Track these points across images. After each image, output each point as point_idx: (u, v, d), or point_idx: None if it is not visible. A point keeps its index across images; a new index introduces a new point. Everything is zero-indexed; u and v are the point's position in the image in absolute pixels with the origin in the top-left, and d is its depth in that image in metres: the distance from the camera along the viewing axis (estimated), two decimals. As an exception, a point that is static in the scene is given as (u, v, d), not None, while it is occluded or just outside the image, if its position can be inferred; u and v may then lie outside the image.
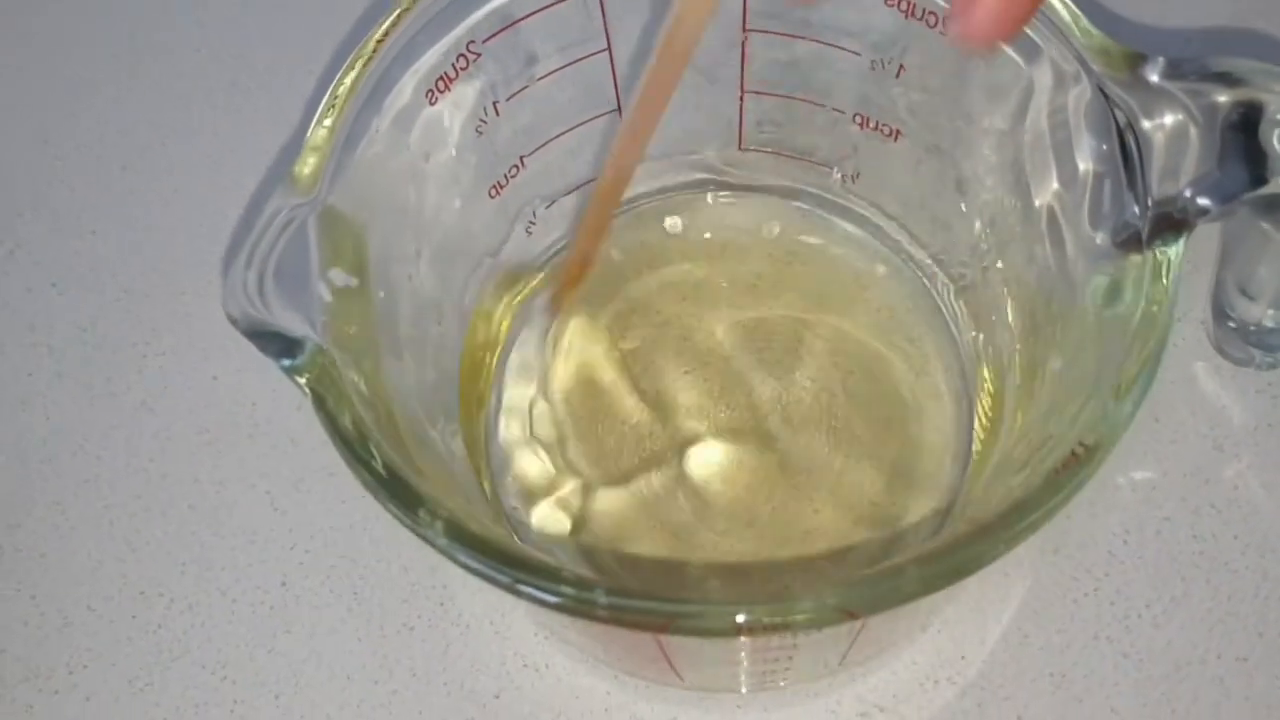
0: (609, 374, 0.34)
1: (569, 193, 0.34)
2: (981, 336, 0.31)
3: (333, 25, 0.42)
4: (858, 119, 0.32)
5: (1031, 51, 0.27)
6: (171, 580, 0.34)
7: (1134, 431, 0.34)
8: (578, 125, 0.33)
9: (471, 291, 0.33)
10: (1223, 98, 0.24)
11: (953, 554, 0.21)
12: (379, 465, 0.23)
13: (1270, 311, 0.30)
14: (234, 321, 0.24)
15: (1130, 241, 0.25)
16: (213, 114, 0.42)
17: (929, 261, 0.34)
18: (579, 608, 0.21)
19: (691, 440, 0.32)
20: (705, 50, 0.32)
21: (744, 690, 0.29)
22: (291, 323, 0.24)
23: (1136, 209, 0.24)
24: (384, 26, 0.27)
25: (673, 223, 0.36)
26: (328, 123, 0.26)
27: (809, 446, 0.32)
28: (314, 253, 0.25)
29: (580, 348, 0.34)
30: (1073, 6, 0.26)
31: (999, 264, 0.30)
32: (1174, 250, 0.24)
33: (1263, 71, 0.25)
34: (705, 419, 0.33)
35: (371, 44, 0.27)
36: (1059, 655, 0.31)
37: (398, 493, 0.22)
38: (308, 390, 0.23)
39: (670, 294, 0.35)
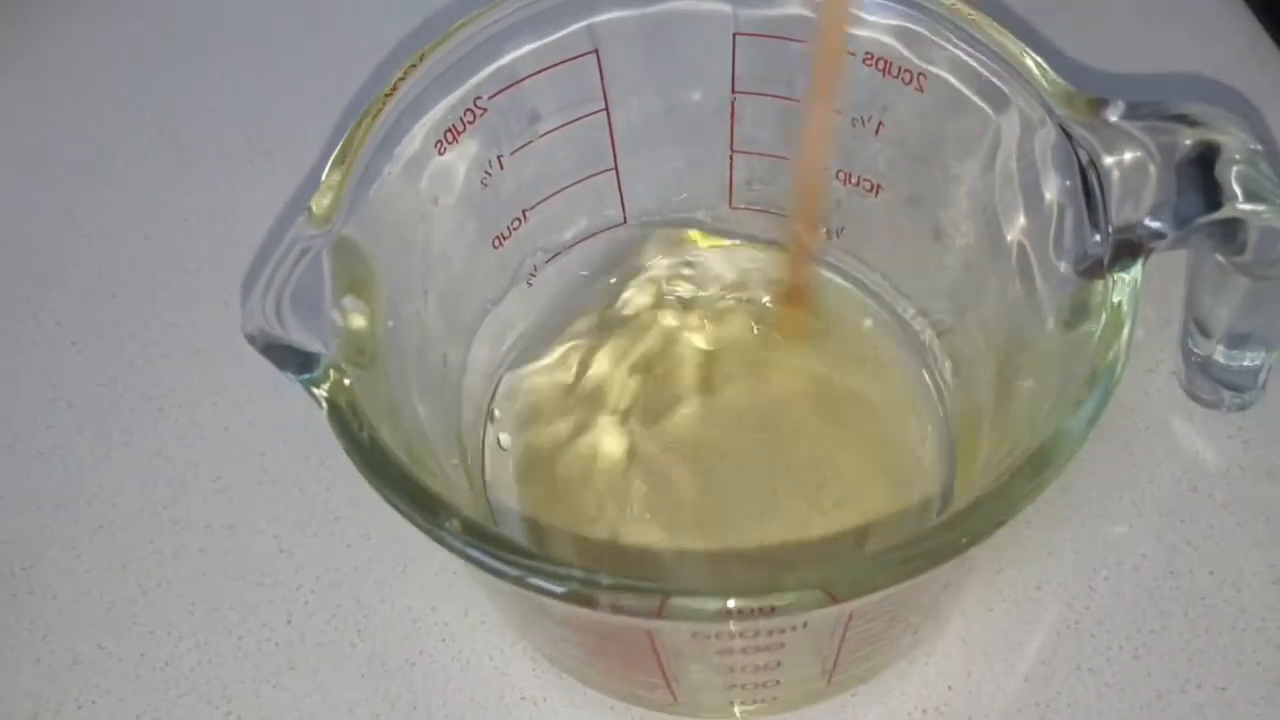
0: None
1: (568, 248, 0.36)
2: (960, 375, 0.33)
3: (343, 87, 0.44)
4: (840, 175, 0.34)
5: (1000, 101, 0.29)
6: (180, 620, 0.35)
7: (1111, 473, 0.35)
8: (577, 182, 0.35)
9: (475, 346, 0.35)
10: (1180, 137, 0.26)
11: (920, 544, 0.22)
12: (395, 471, 0.24)
13: (1220, 348, 0.31)
14: (251, 339, 0.26)
15: (1092, 269, 0.26)
16: (228, 177, 0.44)
17: (912, 311, 0.35)
18: (583, 593, 0.22)
19: (675, 462, 0.34)
20: (696, 111, 0.34)
21: (737, 712, 0.30)
22: (306, 342, 0.26)
23: (1098, 237, 0.26)
24: (393, 81, 0.29)
25: (669, 286, 0.38)
26: (343, 165, 0.28)
27: (797, 491, 0.33)
28: (328, 280, 0.27)
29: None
30: (1038, 59, 0.28)
31: (975, 304, 0.32)
32: (1133, 273, 0.26)
33: (1218, 116, 0.27)
34: (689, 451, 0.34)
35: (382, 97, 0.29)
36: (1043, 686, 0.32)
37: (417, 496, 0.23)
38: (324, 401, 0.25)
39: (665, 348, 0.37)
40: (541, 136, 0.33)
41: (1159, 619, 0.33)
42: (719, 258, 0.38)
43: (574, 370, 0.36)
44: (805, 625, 0.24)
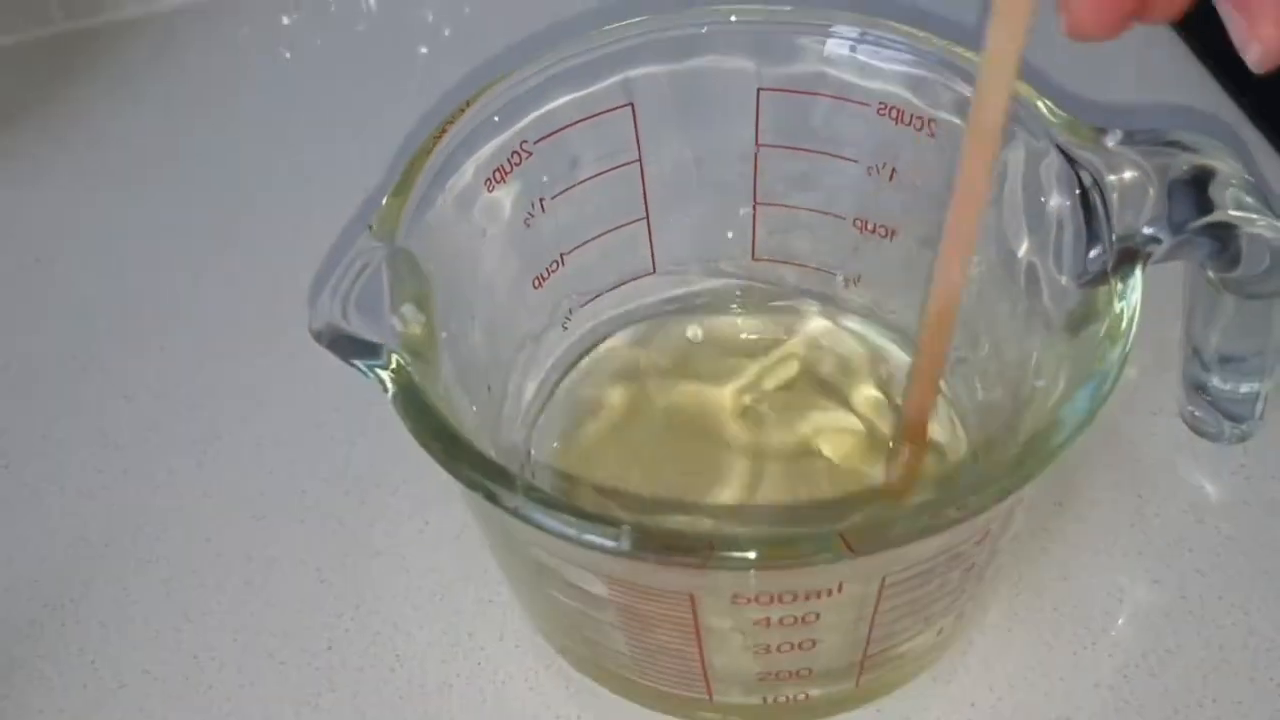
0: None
1: (601, 294, 0.38)
2: (976, 401, 0.35)
3: (388, 136, 0.47)
4: (857, 223, 0.37)
5: (1008, 135, 0.31)
6: (224, 646, 0.36)
7: (1120, 508, 0.37)
8: (612, 230, 0.37)
9: (515, 378, 0.36)
10: (1176, 160, 0.29)
11: (927, 507, 0.24)
12: (464, 443, 0.26)
13: (1216, 375, 0.33)
14: (318, 335, 0.28)
15: (1096, 278, 0.28)
16: (273, 232, 0.46)
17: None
18: (638, 545, 0.23)
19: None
20: (723, 164, 0.37)
21: (766, 704, 0.31)
22: (371, 337, 0.27)
23: (1100, 249, 0.28)
24: (445, 121, 0.32)
25: (694, 331, 0.40)
26: (401, 192, 0.30)
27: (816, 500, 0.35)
28: (387, 289, 0.29)
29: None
30: (1036, 91, 0.31)
31: (989, 329, 0.34)
32: (1134, 278, 0.28)
33: (1211, 144, 0.29)
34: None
35: (435, 134, 0.32)
36: (1063, 702, 0.33)
37: (483, 464, 0.25)
38: (390, 384, 0.27)
39: (690, 393, 0.39)
40: (580, 183, 0.35)
41: (1173, 639, 0.34)
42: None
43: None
44: (834, 593, 0.25)
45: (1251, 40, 0.24)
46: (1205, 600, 0.35)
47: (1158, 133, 0.29)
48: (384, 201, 0.30)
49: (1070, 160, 0.29)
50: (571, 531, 0.24)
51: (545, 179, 0.35)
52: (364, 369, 0.27)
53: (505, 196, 0.34)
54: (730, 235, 0.38)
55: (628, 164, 0.36)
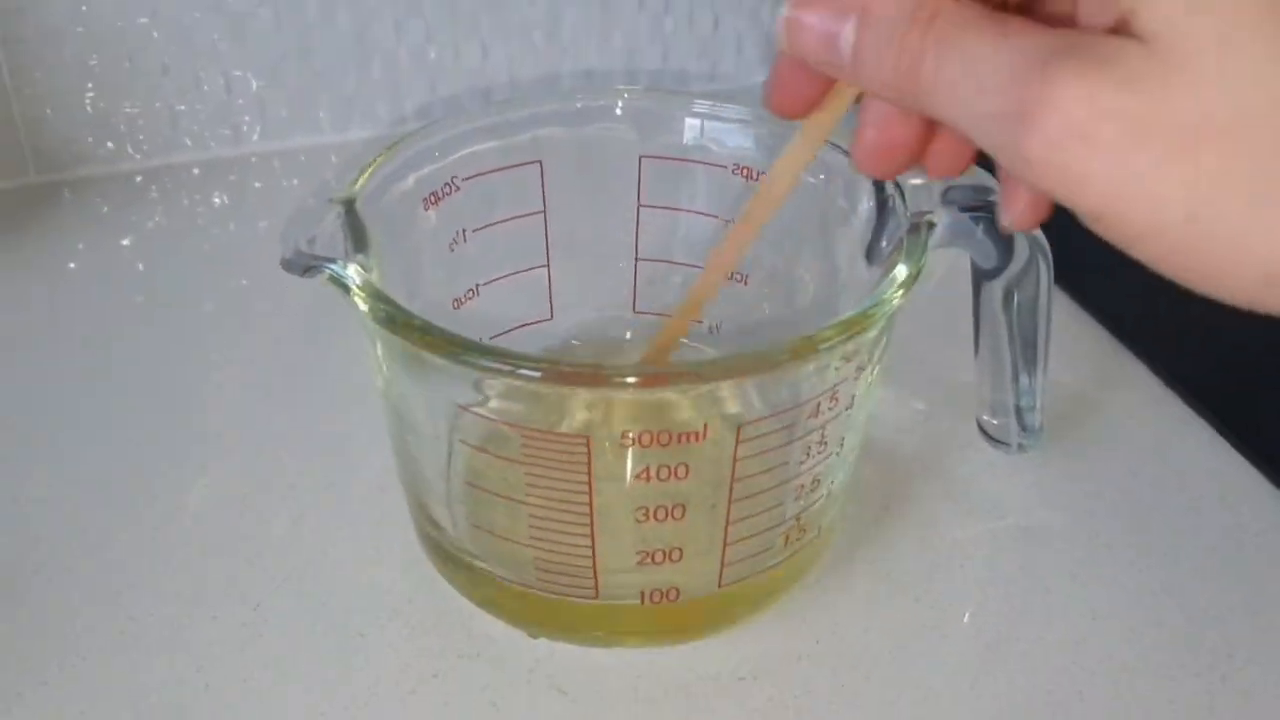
0: None
1: (504, 333, 0.46)
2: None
3: None
4: (721, 274, 0.45)
5: (831, 172, 0.41)
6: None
7: (934, 505, 0.44)
8: (519, 272, 0.45)
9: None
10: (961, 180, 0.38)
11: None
12: (419, 320, 0.33)
13: (993, 379, 0.42)
14: (288, 263, 0.35)
15: (893, 250, 0.37)
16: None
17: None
18: (554, 370, 0.30)
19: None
20: (611, 222, 0.46)
21: (644, 603, 0.36)
22: (332, 256, 0.35)
23: (897, 225, 0.37)
24: (396, 140, 0.40)
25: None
26: (356, 181, 0.38)
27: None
28: (345, 238, 0.36)
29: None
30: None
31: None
32: (920, 238, 0.37)
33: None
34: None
35: (387, 149, 0.40)
36: (892, 641, 0.39)
37: (440, 332, 0.32)
38: (356, 276, 0.34)
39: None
40: (496, 224, 0.44)
41: (982, 591, 0.41)
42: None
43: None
44: (700, 438, 0.32)
45: (1006, 210, 0.31)
46: (1010, 568, 0.42)
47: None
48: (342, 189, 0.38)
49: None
50: (508, 368, 0.31)
51: (468, 213, 0.43)
52: (331, 270, 0.34)
53: (437, 218, 0.42)
54: (616, 287, 0.47)
55: (534, 214, 0.45)
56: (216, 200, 0.62)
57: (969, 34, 0.25)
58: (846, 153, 0.39)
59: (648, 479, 0.33)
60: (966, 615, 0.40)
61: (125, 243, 0.59)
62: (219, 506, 0.44)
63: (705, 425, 0.32)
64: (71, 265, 0.58)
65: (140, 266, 0.58)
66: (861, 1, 0.28)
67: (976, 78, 0.25)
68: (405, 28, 0.64)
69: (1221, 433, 0.47)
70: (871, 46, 0.27)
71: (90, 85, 0.61)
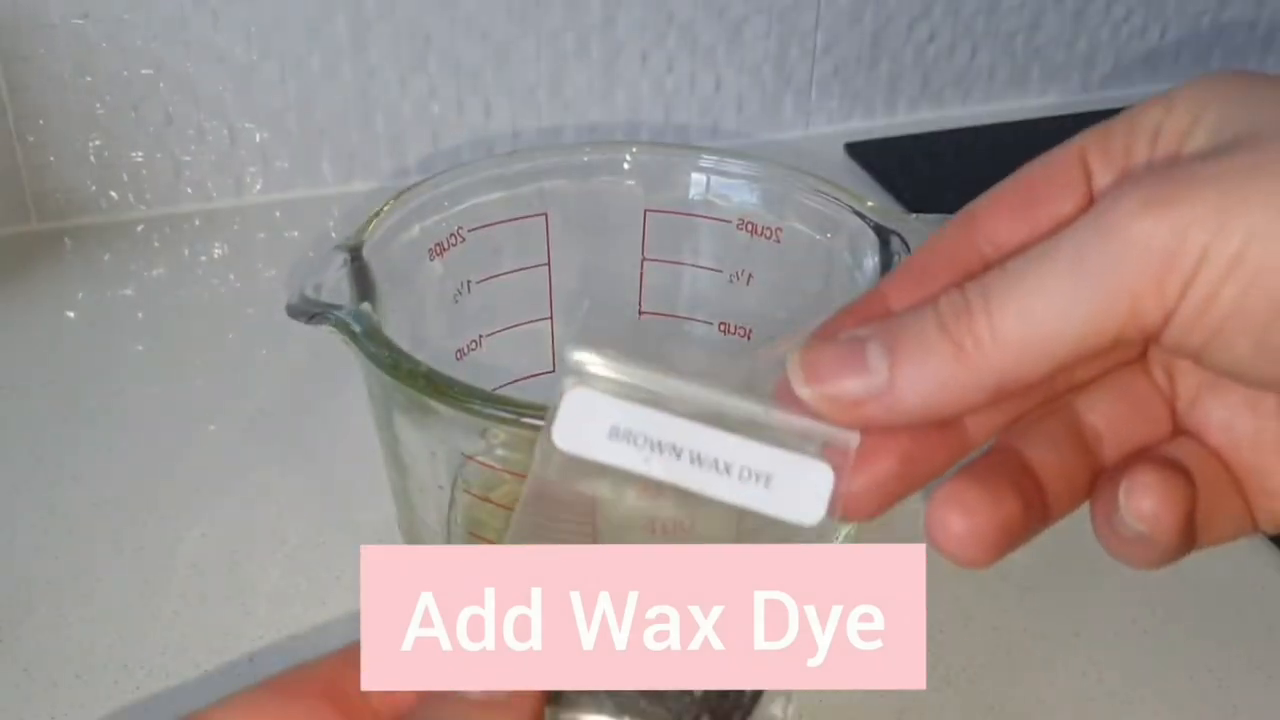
0: None
1: (506, 384, 0.45)
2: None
3: None
4: (721, 327, 0.45)
5: (835, 227, 0.41)
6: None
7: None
8: (523, 323, 0.45)
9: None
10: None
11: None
12: (422, 366, 0.32)
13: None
14: (293, 309, 0.35)
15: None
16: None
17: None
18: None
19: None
20: (615, 276, 0.46)
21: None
22: (336, 302, 0.35)
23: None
24: (403, 189, 0.40)
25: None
26: (364, 228, 0.38)
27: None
28: (350, 285, 0.36)
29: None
30: (857, 194, 0.41)
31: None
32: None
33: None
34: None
35: (392, 198, 0.40)
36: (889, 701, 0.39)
37: (443, 379, 0.32)
38: (356, 324, 0.33)
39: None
40: (501, 275, 0.44)
41: (984, 650, 0.41)
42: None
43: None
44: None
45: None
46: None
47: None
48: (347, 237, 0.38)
49: (880, 229, 0.39)
50: (509, 414, 0.31)
51: (473, 264, 0.43)
52: (336, 317, 0.34)
53: (442, 268, 0.42)
54: (620, 339, 0.47)
55: (539, 266, 0.45)
56: (218, 250, 0.62)
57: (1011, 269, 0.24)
58: (856, 212, 0.40)
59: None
60: (968, 679, 0.40)
61: (126, 292, 0.59)
62: (214, 556, 0.44)
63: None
64: (71, 314, 0.57)
65: (140, 315, 0.58)
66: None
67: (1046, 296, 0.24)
68: (409, 83, 0.65)
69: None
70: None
71: (94, 134, 0.61)
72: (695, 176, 0.44)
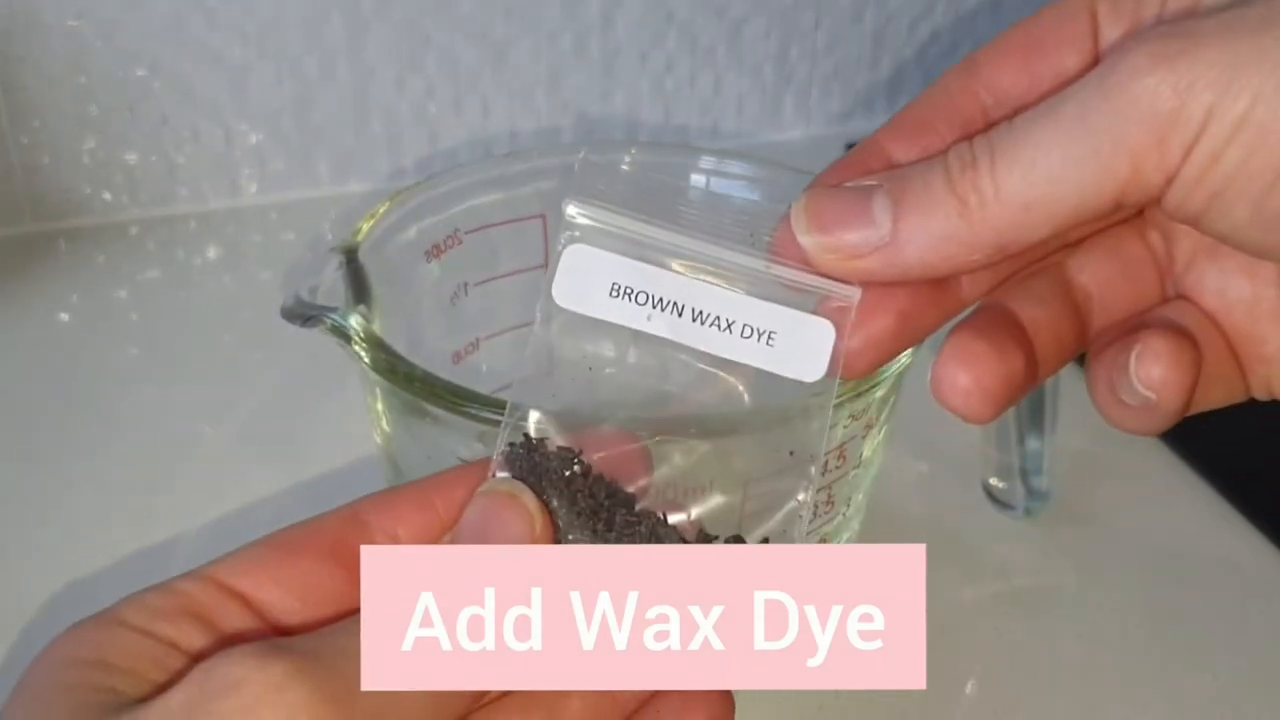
0: None
1: (504, 388, 0.45)
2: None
3: None
4: (720, 328, 0.45)
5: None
6: None
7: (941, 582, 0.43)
8: (519, 327, 0.44)
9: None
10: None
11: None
12: (419, 370, 0.32)
13: (997, 454, 0.41)
14: (288, 311, 0.34)
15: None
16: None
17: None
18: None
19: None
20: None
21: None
22: (332, 305, 0.34)
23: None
24: (400, 191, 0.40)
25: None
26: (361, 230, 0.38)
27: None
28: (346, 288, 0.36)
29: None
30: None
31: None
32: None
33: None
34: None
35: (389, 200, 0.40)
36: (891, 707, 0.39)
37: (441, 383, 0.32)
38: (356, 327, 0.33)
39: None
40: (499, 278, 0.43)
41: (987, 657, 0.40)
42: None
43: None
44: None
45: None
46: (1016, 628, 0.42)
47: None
48: (345, 239, 0.38)
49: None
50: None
51: (471, 266, 0.43)
52: (332, 320, 0.34)
53: (439, 270, 0.42)
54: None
55: (536, 268, 0.44)
56: (213, 252, 0.62)
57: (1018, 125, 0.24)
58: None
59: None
60: (971, 682, 0.40)
61: (120, 294, 0.59)
62: (211, 557, 0.43)
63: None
64: (65, 316, 0.57)
65: (134, 317, 0.57)
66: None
67: (1048, 155, 0.23)
68: (406, 83, 0.64)
69: (1228, 498, 0.47)
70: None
71: (89, 135, 0.61)
72: (695, 178, 0.44)
